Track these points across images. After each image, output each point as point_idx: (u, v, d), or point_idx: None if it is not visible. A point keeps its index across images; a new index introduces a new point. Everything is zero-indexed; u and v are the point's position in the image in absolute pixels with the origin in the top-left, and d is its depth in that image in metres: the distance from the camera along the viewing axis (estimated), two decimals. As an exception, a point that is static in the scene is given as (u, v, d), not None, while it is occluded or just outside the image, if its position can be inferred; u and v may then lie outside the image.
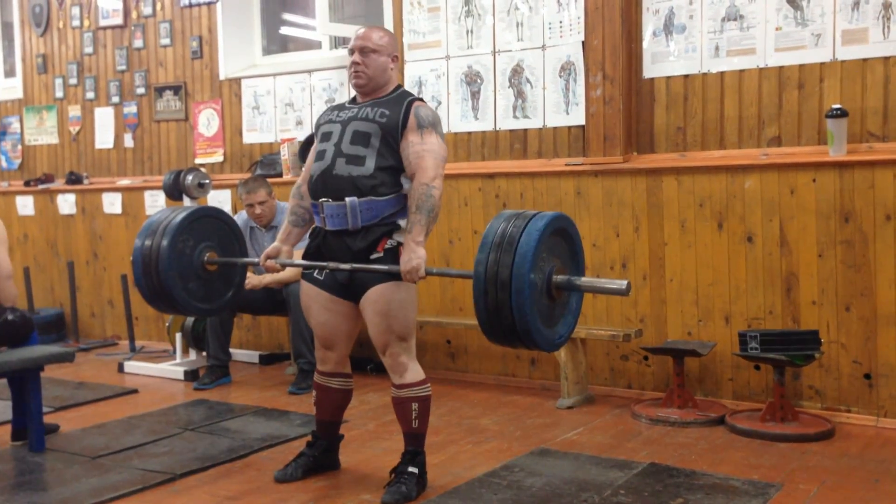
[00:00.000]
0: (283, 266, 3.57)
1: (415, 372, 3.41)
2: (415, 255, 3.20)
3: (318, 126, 3.54)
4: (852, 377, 4.27)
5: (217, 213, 3.92)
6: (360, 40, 3.41)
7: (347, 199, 3.29)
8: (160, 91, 6.69)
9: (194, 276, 3.71)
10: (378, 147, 3.31)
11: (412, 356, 3.42)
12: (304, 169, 3.61)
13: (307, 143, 5.90)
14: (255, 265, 3.76)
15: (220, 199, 6.27)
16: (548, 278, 2.94)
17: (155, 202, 6.63)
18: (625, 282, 2.90)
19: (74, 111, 7.19)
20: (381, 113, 3.35)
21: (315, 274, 3.46)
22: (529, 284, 2.83)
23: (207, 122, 6.47)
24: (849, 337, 4.25)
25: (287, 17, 6.70)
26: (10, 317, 4.03)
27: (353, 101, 3.50)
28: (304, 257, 3.52)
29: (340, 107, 3.52)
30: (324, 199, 3.34)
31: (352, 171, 3.31)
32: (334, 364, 3.58)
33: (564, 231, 3.04)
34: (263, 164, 6.08)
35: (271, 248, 3.56)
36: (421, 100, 3.43)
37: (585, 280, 3.04)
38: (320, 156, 3.42)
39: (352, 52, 3.42)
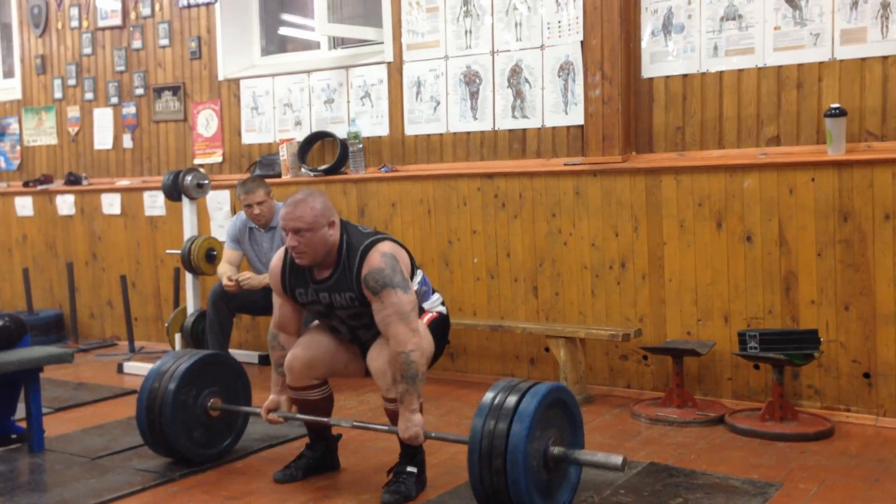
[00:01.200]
0: (286, 419, 3.60)
1: None
2: (411, 423, 3.25)
3: (292, 297, 3.47)
4: (851, 376, 4.27)
5: (221, 358, 4.00)
6: (293, 221, 3.25)
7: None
8: (159, 92, 6.68)
9: (198, 423, 3.79)
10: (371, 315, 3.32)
11: None
12: (272, 323, 3.58)
13: (306, 144, 5.91)
14: (256, 414, 3.75)
15: (219, 200, 6.27)
16: (544, 452, 2.97)
17: (154, 203, 6.63)
18: (620, 459, 2.93)
19: (73, 112, 7.19)
20: (348, 298, 3.32)
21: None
22: (525, 458, 2.85)
23: (206, 122, 6.47)
24: (848, 336, 4.26)
25: (286, 17, 6.70)
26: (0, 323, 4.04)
27: (311, 270, 3.40)
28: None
29: (301, 278, 3.41)
30: (364, 339, 3.49)
31: (373, 332, 3.39)
32: (304, 378, 3.54)
33: (561, 402, 3.07)
34: (262, 165, 6.08)
35: (270, 401, 3.56)
36: (367, 251, 3.28)
37: (582, 454, 3.05)
38: (334, 330, 3.53)
39: (285, 231, 3.29)
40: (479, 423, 2.94)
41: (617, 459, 2.93)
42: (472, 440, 2.94)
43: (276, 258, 3.50)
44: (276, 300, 3.54)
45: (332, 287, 3.35)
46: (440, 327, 3.52)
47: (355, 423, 3.49)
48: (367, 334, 3.43)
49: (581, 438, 3.17)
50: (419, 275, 3.48)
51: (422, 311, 3.46)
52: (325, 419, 3.56)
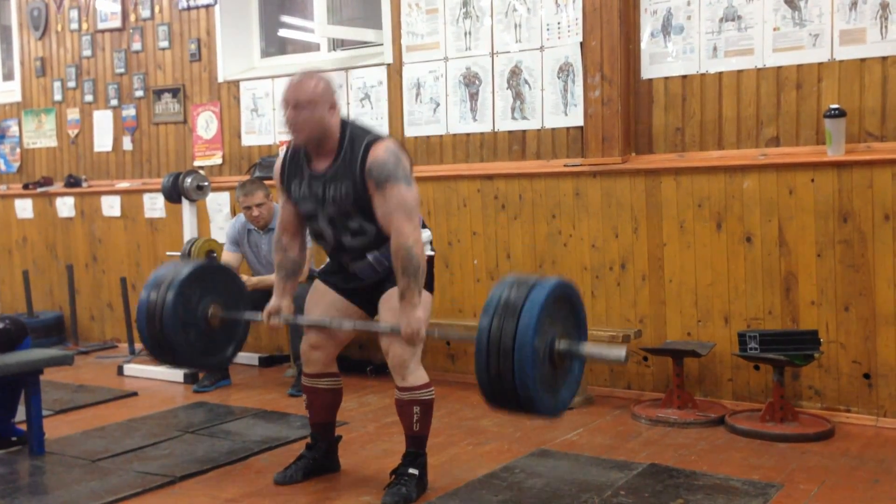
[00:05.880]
0: (287, 323, 3.58)
1: (418, 375, 3.42)
2: (413, 318, 3.19)
3: (287, 190, 3.43)
4: (851, 377, 4.27)
5: (224, 270, 3.98)
6: (293, 93, 3.21)
7: (369, 256, 3.36)
8: (159, 94, 6.69)
9: (197, 328, 3.72)
10: (365, 215, 3.28)
11: (417, 360, 3.43)
12: (278, 223, 3.56)
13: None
14: (257, 321, 3.71)
15: (219, 202, 6.27)
16: (550, 346, 2.96)
17: (154, 205, 6.63)
18: (623, 351, 2.92)
19: (73, 114, 7.20)
20: (345, 189, 3.25)
21: (330, 277, 3.52)
22: (532, 353, 2.83)
23: (206, 124, 6.47)
24: (848, 337, 4.26)
25: (285, 19, 6.70)
26: (0, 325, 4.04)
27: (307, 156, 3.36)
28: (323, 273, 3.57)
29: (299, 168, 3.37)
30: (347, 260, 3.42)
31: (357, 242, 3.34)
32: (322, 365, 3.59)
33: (567, 297, 3.05)
34: (262, 166, 6.08)
35: (272, 305, 3.52)
36: (372, 143, 3.23)
37: (587, 348, 3.04)
38: (319, 234, 3.43)
39: (285, 105, 3.24)
40: (487, 321, 2.89)
41: (619, 352, 2.91)
42: (480, 336, 2.90)
43: (280, 155, 3.47)
44: (281, 200, 3.51)
45: (330, 178, 3.28)
46: (430, 271, 3.49)
47: (357, 326, 3.43)
48: (352, 241, 3.34)
49: (585, 333, 3.12)
50: None
51: None
52: (327, 322, 3.46)
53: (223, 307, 3.75)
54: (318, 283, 3.58)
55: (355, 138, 3.27)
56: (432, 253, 3.54)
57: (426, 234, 3.51)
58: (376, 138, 3.27)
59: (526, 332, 2.81)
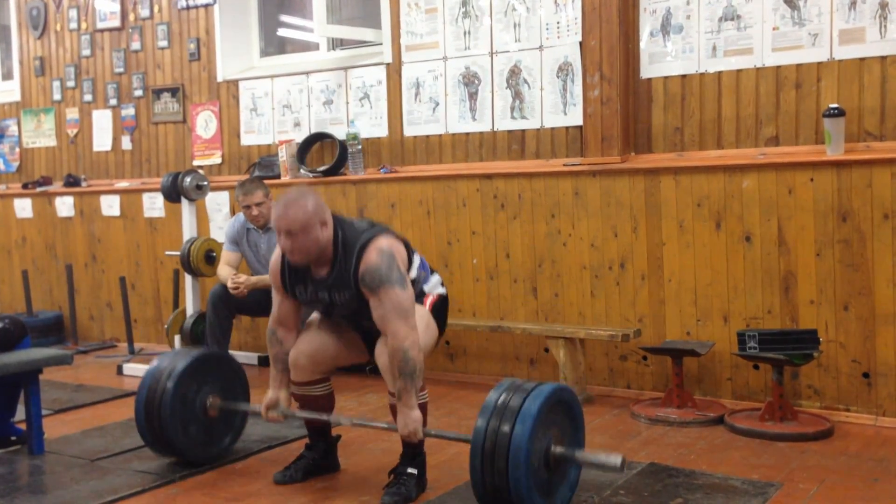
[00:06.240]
0: (286, 416, 3.59)
1: None
2: (410, 419, 3.24)
3: (292, 294, 3.46)
4: (851, 376, 4.27)
5: (221, 358, 4.01)
6: (284, 223, 3.23)
7: None
8: (158, 93, 6.68)
9: (196, 422, 3.78)
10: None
11: None
12: (271, 319, 3.56)
13: (305, 145, 5.91)
14: (255, 413, 3.73)
15: (218, 201, 6.27)
16: (546, 451, 2.98)
17: (153, 204, 6.63)
18: (619, 459, 2.94)
19: (72, 114, 7.19)
20: (349, 295, 3.31)
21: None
22: (527, 459, 2.86)
23: (205, 123, 6.47)
24: (847, 336, 4.26)
25: (284, 18, 6.70)
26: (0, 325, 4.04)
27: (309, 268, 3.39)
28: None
29: (300, 274, 3.40)
30: (369, 331, 3.46)
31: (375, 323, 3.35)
32: (310, 373, 3.58)
33: (564, 402, 3.08)
34: (261, 166, 6.09)
35: (270, 398, 3.54)
36: (364, 247, 3.27)
37: (582, 454, 3.08)
38: (338, 323, 3.53)
39: (278, 232, 3.28)
40: (483, 423, 2.95)
41: (616, 460, 2.95)
42: (476, 439, 2.95)
43: (276, 256, 3.49)
44: (276, 296, 3.53)
45: (330, 286, 3.35)
46: (441, 308, 3.55)
47: (355, 422, 3.52)
48: (371, 324, 3.39)
49: (582, 438, 3.19)
50: (417, 260, 3.47)
51: (423, 295, 3.47)
52: (325, 417, 3.57)
53: (221, 397, 3.80)
54: None
55: (347, 243, 3.30)
56: (443, 291, 3.58)
57: (435, 278, 3.57)
58: (368, 240, 3.28)
59: (521, 439, 2.85)
